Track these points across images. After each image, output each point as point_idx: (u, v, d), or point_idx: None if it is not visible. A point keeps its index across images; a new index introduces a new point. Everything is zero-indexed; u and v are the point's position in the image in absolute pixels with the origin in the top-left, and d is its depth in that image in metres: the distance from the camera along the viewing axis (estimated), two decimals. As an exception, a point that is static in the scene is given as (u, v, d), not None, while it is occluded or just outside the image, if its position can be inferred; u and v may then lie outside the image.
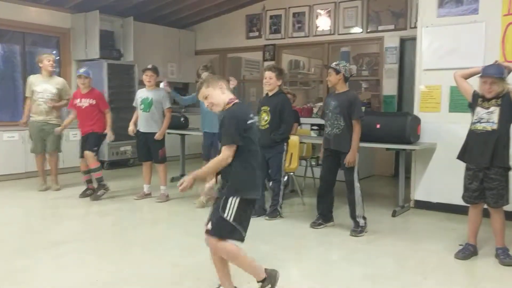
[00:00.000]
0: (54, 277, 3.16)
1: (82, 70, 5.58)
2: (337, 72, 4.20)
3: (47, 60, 5.81)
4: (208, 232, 2.61)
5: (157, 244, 3.94)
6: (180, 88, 9.62)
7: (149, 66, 5.40)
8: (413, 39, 5.52)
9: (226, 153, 2.54)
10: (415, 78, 5.20)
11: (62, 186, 6.00)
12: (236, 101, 2.73)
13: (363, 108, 4.59)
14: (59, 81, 5.99)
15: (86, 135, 5.55)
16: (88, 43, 7.66)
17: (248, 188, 2.60)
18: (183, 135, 6.80)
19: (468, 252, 3.59)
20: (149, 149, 5.42)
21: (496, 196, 3.47)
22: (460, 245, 3.70)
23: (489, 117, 3.46)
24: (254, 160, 2.65)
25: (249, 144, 2.61)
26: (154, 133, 5.35)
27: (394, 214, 4.85)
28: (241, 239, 2.60)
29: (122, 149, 7.71)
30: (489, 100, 3.48)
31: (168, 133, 5.72)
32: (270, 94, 4.73)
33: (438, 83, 4.98)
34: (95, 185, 5.62)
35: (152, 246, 3.86)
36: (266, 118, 4.67)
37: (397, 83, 7.31)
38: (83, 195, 5.64)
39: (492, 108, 3.46)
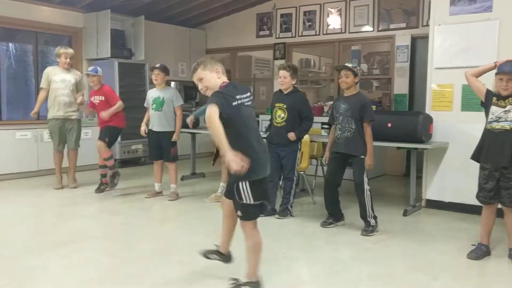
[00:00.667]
0: (64, 275, 3.18)
1: (90, 69, 5.67)
2: (355, 74, 4.17)
3: (64, 57, 5.83)
4: (240, 219, 2.73)
5: (167, 242, 3.96)
6: (191, 87, 9.66)
7: (157, 65, 5.41)
8: (425, 37, 5.47)
9: (208, 112, 2.47)
10: (427, 77, 5.15)
11: (78, 184, 6.05)
12: (228, 82, 2.73)
13: (374, 107, 4.56)
14: (77, 72, 6.04)
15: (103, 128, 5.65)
16: (100, 42, 7.71)
17: (252, 170, 2.55)
18: (193, 134, 6.81)
19: (480, 252, 3.55)
20: (160, 148, 5.44)
21: None
22: (472, 245, 3.66)
23: (507, 116, 3.40)
24: (252, 141, 2.63)
25: (240, 125, 2.60)
26: (166, 132, 5.36)
27: (405, 214, 4.81)
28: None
29: (133, 147, 7.75)
30: (505, 98, 3.43)
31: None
32: (285, 92, 4.70)
33: (450, 82, 4.93)
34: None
35: (161, 245, 3.87)
36: (282, 115, 4.61)
37: (408, 82, 7.26)
38: (99, 190, 5.73)
39: (509, 107, 3.40)
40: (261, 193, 2.67)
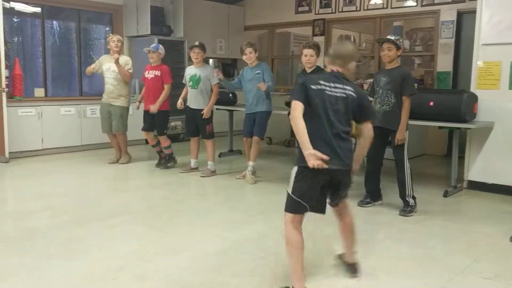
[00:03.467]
0: (109, 246, 3.30)
1: (152, 46, 5.81)
2: (398, 47, 4.06)
3: (112, 41, 5.95)
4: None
5: (204, 217, 4.03)
6: (229, 64, 9.66)
7: (196, 43, 5.43)
8: (472, 12, 5.24)
9: (291, 108, 2.45)
10: (473, 54, 4.95)
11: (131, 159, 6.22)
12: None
13: (415, 85, 4.44)
14: (123, 59, 6.10)
15: (153, 113, 5.68)
16: (139, 20, 7.79)
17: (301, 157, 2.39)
18: (231, 111, 6.84)
19: None
20: (197, 125, 5.50)
21: None
22: None
23: None
24: (320, 129, 2.45)
25: (312, 111, 2.45)
26: (202, 110, 5.41)
27: (445, 195, 4.71)
28: (302, 210, 2.47)
29: (172, 124, 7.86)
30: None
31: (217, 109, 5.78)
32: (309, 71, 4.62)
33: (498, 59, 4.72)
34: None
35: (199, 219, 3.95)
36: None
37: (452, 59, 7.00)
38: (159, 165, 5.94)
39: None
40: (303, 187, 2.45)
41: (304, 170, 2.41)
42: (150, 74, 5.72)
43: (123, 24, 7.99)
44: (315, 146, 2.34)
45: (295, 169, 2.49)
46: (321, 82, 2.51)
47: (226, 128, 6.99)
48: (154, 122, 5.76)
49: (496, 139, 4.80)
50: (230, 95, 6.75)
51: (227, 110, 6.74)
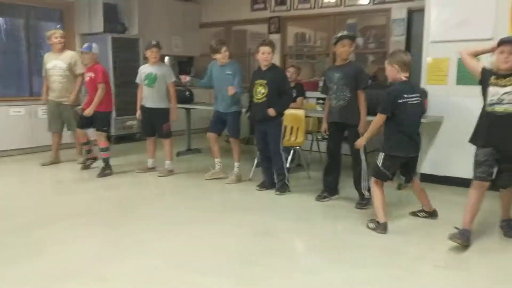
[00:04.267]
0: (67, 248, 3.22)
1: (84, 47, 5.52)
2: (353, 40, 4.18)
3: (54, 37, 5.76)
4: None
5: (164, 216, 3.99)
6: (185, 62, 9.58)
7: (154, 42, 5.31)
8: (422, 10, 5.42)
9: (377, 119, 3.63)
10: (423, 50, 5.13)
11: (65, 161, 6.06)
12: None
13: (369, 81, 4.56)
14: (68, 55, 5.90)
15: (94, 113, 5.50)
16: (92, 17, 7.60)
17: (389, 148, 3.61)
18: (188, 109, 6.79)
19: (466, 238, 3.23)
20: (153, 124, 5.42)
21: None
22: (455, 228, 3.29)
23: (510, 98, 3.15)
24: (402, 127, 3.57)
25: (397, 116, 3.53)
26: (159, 109, 5.34)
27: (399, 187, 4.86)
28: (386, 179, 3.63)
29: (128, 123, 7.73)
30: (504, 76, 3.18)
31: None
32: (264, 68, 4.65)
33: (446, 56, 4.91)
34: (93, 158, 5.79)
35: (159, 219, 3.91)
36: (263, 91, 4.56)
37: (404, 56, 7.21)
38: (83, 164, 5.75)
39: (509, 88, 3.15)
40: (389, 165, 3.59)
41: (391, 156, 3.59)
42: (86, 77, 5.50)
43: (74, 22, 7.77)
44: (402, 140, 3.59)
45: (382, 154, 3.62)
46: (405, 95, 3.53)
47: (183, 126, 6.93)
48: (91, 121, 5.46)
49: (445, 133, 4.99)
50: (187, 93, 6.68)
51: (184, 108, 6.68)
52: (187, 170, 5.77)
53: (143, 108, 5.43)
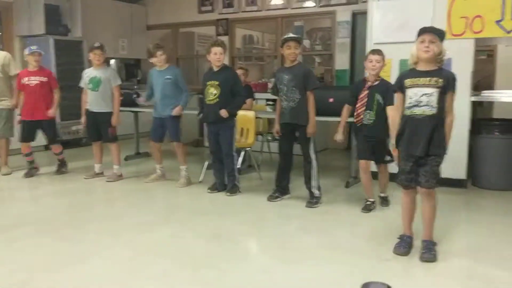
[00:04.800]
0: (9, 261, 3.07)
1: (35, 47, 5.35)
2: (299, 42, 4.24)
3: None
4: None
5: (114, 222, 3.89)
6: (132, 65, 9.40)
7: (97, 44, 5.17)
8: (365, 13, 5.59)
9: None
10: (366, 52, 5.28)
11: (12, 169, 5.77)
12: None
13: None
14: (1, 55, 5.63)
15: (39, 121, 5.35)
16: (33, 18, 7.31)
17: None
18: (136, 113, 6.66)
19: (407, 244, 3.18)
20: (99, 129, 5.29)
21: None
22: (397, 238, 3.26)
23: (429, 100, 2.94)
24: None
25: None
26: (104, 113, 5.21)
27: (347, 185, 5.00)
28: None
29: (73, 128, 7.48)
30: (426, 74, 2.96)
31: (121, 110, 5.58)
32: (216, 69, 4.65)
33: (389, 57, 5.07)
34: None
35: (109, 225, 3.81)
36: (215, 92, 4.54)
37: (349, 58, 7.43)
38: (28, 175, 5.50)
39: (431, 90, 2.93)
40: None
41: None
42: (33, 80, 5.29)
43: (13, 23, 7.43)
44: None
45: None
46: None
47: (131, 130, 6.80)
48: (39, 132, 5.45)
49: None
50: (134, 95, 6.54)
51: (132, 111, 6.55)
52: (136, 174, 5.67)
53: (88, 112, 5.28)
